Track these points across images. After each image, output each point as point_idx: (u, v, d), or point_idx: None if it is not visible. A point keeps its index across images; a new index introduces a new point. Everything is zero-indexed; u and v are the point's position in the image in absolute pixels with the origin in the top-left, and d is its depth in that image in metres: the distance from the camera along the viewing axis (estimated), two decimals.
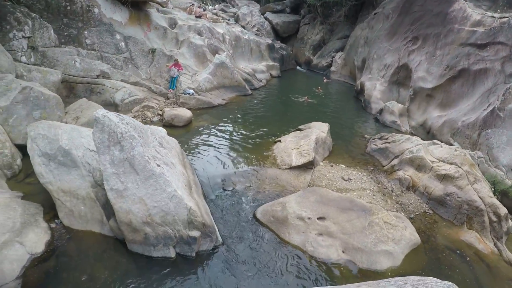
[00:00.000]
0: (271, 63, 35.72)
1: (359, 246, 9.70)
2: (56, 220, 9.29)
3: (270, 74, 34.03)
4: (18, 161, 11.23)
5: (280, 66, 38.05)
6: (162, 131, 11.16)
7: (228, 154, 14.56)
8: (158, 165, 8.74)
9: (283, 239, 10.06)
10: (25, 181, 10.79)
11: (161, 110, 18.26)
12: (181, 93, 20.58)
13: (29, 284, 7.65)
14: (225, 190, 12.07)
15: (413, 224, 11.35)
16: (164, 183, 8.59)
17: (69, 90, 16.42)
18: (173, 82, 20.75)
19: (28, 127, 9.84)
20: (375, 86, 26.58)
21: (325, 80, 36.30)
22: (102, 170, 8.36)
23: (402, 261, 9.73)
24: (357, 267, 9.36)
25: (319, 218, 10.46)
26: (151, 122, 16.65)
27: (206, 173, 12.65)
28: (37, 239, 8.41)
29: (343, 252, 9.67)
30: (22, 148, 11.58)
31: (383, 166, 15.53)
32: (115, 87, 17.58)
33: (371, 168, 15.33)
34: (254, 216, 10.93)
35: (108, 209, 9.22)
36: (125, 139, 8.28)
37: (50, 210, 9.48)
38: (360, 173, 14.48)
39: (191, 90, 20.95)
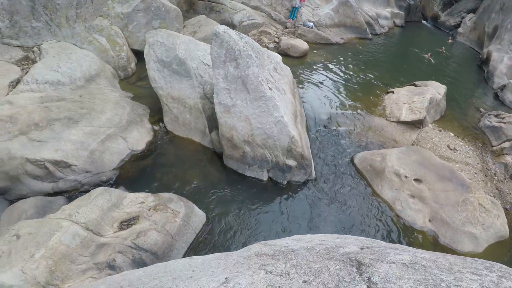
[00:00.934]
0: (396, 10, 33.21)
1: (447, 219, 9.09)
2: (160, 124, 9.68)
3: (394, 22, 31.72)
4: (133, 65, 11.67)
5: (405, 16, 35.19)
6: (278, 57, 10.96)
7: (337, 94, 14.14)
8: (270, 89, 8.61)
9: (374, 191, 9.69)
10: (136, 84, 11.27)
11: (277, 38, 17.99)
12: (300, 24, 20.01)
13: (124, 177, 8.23)
14: (328, 128, 11.77)
15: (507, 215, 10.34)
16: (273, 107, 8.46)
17: (189, 5, 16.64)
18: (293, 12, 20.24)
19: (147, 34, 10.08)
20: (502, 59, 24.07)
21: (449, 41, 33.34)
22: (214, 84, 8.42)
23: (484, 249, 8.96)
24: (438, 240, 8.82)
25: (415, 180, 9.90)
26: (266, 48, 16.47)
27: (312, 107, 12.47)
28: (139, 137, 8.85)
29: (429, 221, 9.14)
30: (137, 54, 12.13)
31: (492, 146, 14.18)
32: (235, 8, 17.55)
33: (479, 144, 14.11)
34: (352, 161, 10.60)
35: (212, 122, 9.38)
36: (242, 57, 8.19)
37: (156, 114, 9.86)
38: (466, 146, 13.40)
39: (311, 23, 20.27)
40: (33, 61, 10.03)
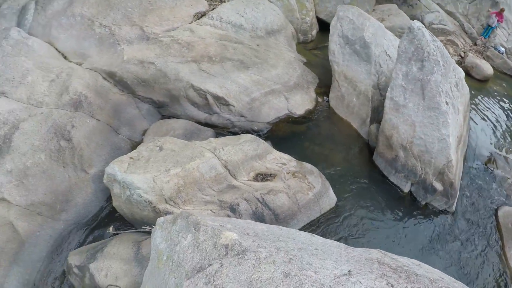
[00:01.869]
0: None
1: None
2: (324, 97, 9.39)
3: None
4: (314, 32, 11.49)
5: None
6: (462, 73, 9.98)
7: (509, 135, 12.66)
8: (446, 103, 7.86)
9: (504, 254, 8.39)
10: (312, 51, 11.09)
11: (463, 52, 16.58)
12: (491, 46, 18.24)
13: (274, 133, 8.20)
14: (485, 166, 10.56)
15: None
16: (443, 123, 7.71)
17: None
18: (488, 30, 18.45)
19: (339, 7, 9.74)
20: None
21: None
22: (393, 78, 7.89)
23: None
24: None
25: None
26: None
27: (477, 137, 11.25)
28: (301, 102, 8.67)
29: None
30: (320, 23, 11.90)
31: None
32: (429, 7, 16.49)
33: None
34: (495, 212, 9.34)
35: (375, 114, 8.89)
36: (429, 61, 7.54)
37: (322, 86, 9.59)
38: None
39: (503, 49, 18.35)
40: (222, 1, 10.19)
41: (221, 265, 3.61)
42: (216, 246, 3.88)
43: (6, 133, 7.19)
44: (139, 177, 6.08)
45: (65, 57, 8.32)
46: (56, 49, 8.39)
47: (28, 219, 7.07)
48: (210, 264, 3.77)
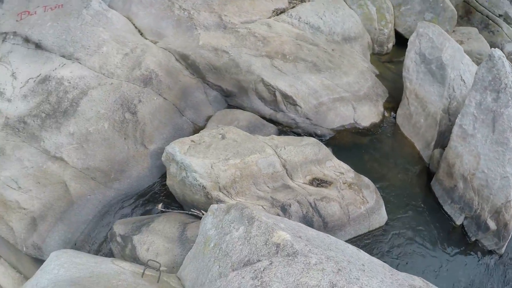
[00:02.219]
0: None
1: None
2: (392, 113, 9.13)
3: None
4: (390, 45, 11.24)
5: None
6: None
7: None
8: None
9: None
10: (385, 64, 10.83)
11: None
12: None
13: (335, 141, 8.12)
14: None
15: None
16: (509, 160, 7.28)
17: (466, 12, 15.34)
18: None
19: (419, 23, 9.44)
20: None
21: None
22: (465, 105, 7.50)
23: None
24: None
25: None
26: None
27: None
28: (367, 114, 8.49)
29: None
30: (397, 36, 11.61)
31: None
32: (511, 37, 15.78)
33: None
34: None
35: (441, 139, 8.54)
36: (505, 93, 7.12)
37: (392, 101, 9.33)
38: None
39: None
40: (302, 0, 10.12)
41: (271, 263, 3.60)
42: (268, 243, 3.86)
43: (74, 97, 7.38)
44: (197, 161, 6.11)
45: (141, 34, 8.47)
46: (134, 24, 8.55)
47: (81, 182, 7.23)
48: (259, 260, 3.75)
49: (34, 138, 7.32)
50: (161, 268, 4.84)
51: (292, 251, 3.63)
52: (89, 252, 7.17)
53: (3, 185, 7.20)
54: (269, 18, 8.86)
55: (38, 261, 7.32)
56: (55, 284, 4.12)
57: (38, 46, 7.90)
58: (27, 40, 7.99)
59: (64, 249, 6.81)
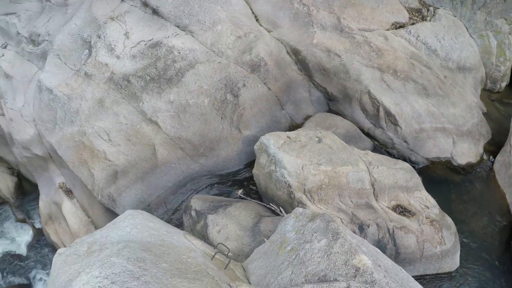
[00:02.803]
0: None
1: None
2: (490, 157, 8.54)
3: None
4: (503, 84, 10.55)
5: None
6: None
7: None
8: None
9: None
10: (494, 103, 10.20)
11: None
12: None
13: (428, 171, 7.83)
14: None
15: None
16: None
17: None
18: None
19: None
20: None
21: None
22: None
23: None
24: None
25: None
26: None
27: None
28: (466, 152, 8.10)
29: None
30: None
31: None
32: None
33: None
34: None
35: None
36: None
37: (493, 144, 8.74)
38: None
39: None
40: (423, 18, 9.72)
41: (348, 286, 3.53)
42: (347, 264, 3.79)
43: (181, 67, 7.50)
44: (290, 158, 6.07)
45: (257, 20, 8.47)
46: (251, 9, 8.56)
47: (169, 149, 7.40)
48: (336, 280, 3.69)
49: (134, 98, 7.52)
50: (229, 254, 4.85)
51: (370, 280, 3.56)
52: (160, 217, 7.32)
53: (95, 134, 7.47)
54: (387, 30, 8.58)
55: (109, 212, 7.60)
56: (127, 243, 4.21)
57: (155, 12, 8.10)
58: (145, 4, 8.21)
59: (138, 209, 7.04)
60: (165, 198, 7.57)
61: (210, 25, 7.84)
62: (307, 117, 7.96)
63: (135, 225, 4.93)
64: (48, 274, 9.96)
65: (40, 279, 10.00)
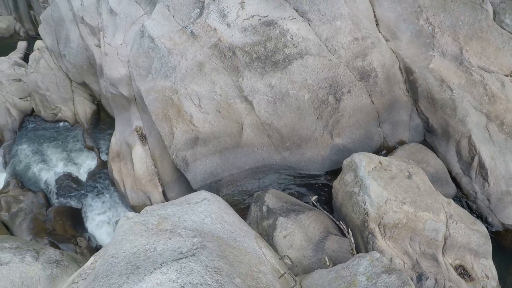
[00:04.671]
0: None
1: None
2: None
3: None
4: None
5: None
6: None
7: None
8: None
9: None
10: None
11: None
12: None
13: (500, 238, 7.44)
14: None
15: None
16: None
17: None
18: None
19: None
20: None
21: None
22: None
23: None
24: None
25: None
26: None
27: None
28: None
29: None
30: None
31: None
32: None
33: None
34: None
35: None
36: None
37: None
38: None
39: None
40: None
41: None
42: None
43: (290, 54, 7.30)
44: (377, 188, 5.90)
45: (377, 24, 8.08)
46: (374, 12, 8.15)
47: (256, 133, 7.32)
48: None
49: (235, 72, 7.40)
50: (285, 259, 4.79)
51: None
52: (227, 195, 7.30)
53: (186, 95, 7.42)
54: (506, 75, 8.06)
55: (178, 172, 7.64)
56: (200, 233, 4.27)
57: None
58: None
59: (208, 181, 7.04)
60: (237, 179, 7.53)
61: (330, 18, 7.49)
62: (400, 142, 7.66)
63: (210, 213, 4.92)
64: (102, 203, 10.23)
65: (91, 206, 10.30)
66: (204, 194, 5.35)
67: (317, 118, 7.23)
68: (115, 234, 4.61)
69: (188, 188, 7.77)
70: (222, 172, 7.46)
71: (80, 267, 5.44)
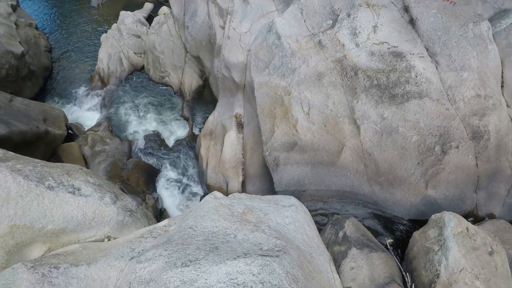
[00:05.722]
0: None
1: None
2: None
3: None
4: None
5: None
6: None
7: None
8: None
9: None
10: None
11: None
12: None
13: None
14: None
15: None
16: None
17: None
18: None
19: None
20: None
21: None
22: None
23: None
24: None
25: None
26: None
27: None
28: None
29: None
30: None
31: None
32: None
33: None
34: None
35: None
36: None
37: None
38: None
39: None
40: None
41: None
42: None
43: (410, 92, 7.37)
44: (457, 254, 5.72)
45: (502, 86, 7.79)
46: (502, 72, 7.82)
47: (354, 157, 7.65)
48: None
49: (352, 92, 7.45)
50: None
51: None
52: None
53: (298, 100, 7.57)
54: None
55: (265, 168, 7.80)
56: (283, 237, 4.31)
57: (412, 22, 7.63)
58: (406, 9, 7.74)
59: (293, 187, 7.14)
60: (321, 196, 7.59)
61: (458, 66, 7.29)
62: (490, 214, 7.32)
63: (295, 221, 4.94)
64: (179, 172, 10.63)
65: (168, 170, 10.71)
66: (293, 200, 5.40)
67: (418, 163, 7.14)
68: (198, 207, 4.74)
69: (268, 187, 7.92)
70: (309, 184, 7.55)
71: (150, 224, 5.62)
